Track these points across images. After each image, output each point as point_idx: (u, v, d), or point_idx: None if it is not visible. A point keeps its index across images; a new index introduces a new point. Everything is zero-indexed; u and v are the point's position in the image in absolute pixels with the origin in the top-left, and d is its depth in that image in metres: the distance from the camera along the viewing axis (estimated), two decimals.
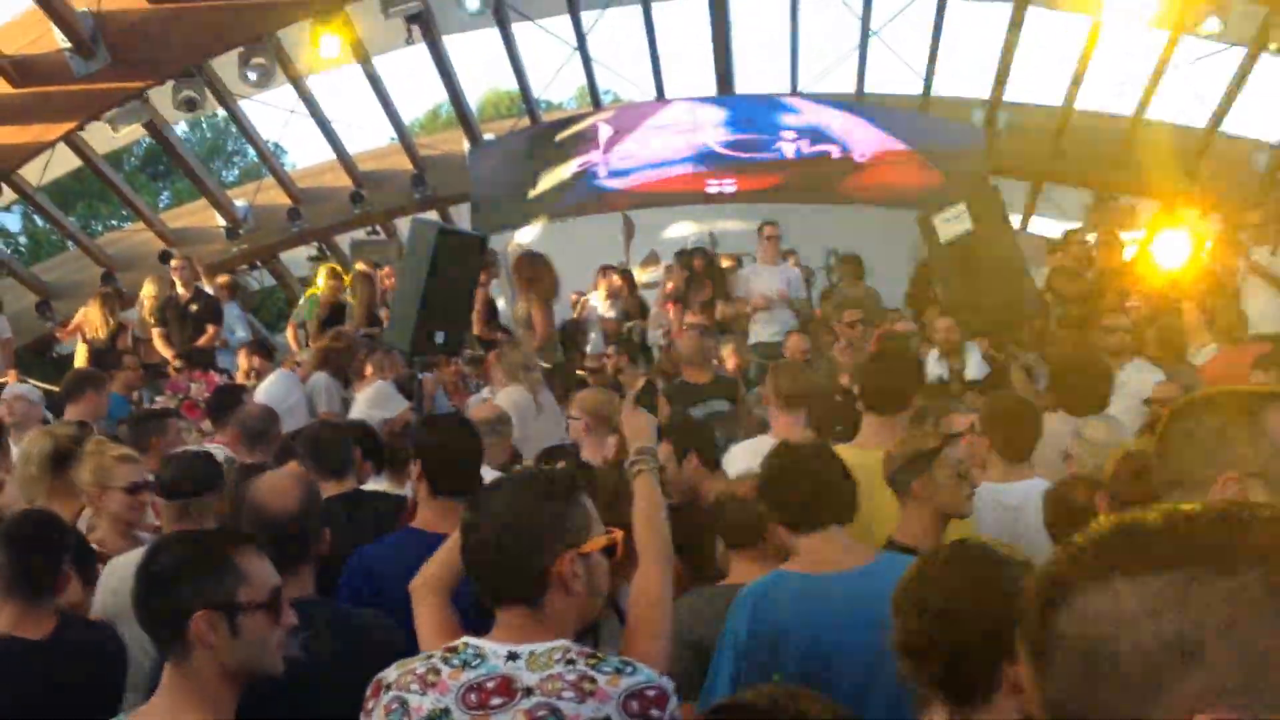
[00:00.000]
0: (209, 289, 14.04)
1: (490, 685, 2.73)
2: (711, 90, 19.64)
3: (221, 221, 18.99)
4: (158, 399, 10.31)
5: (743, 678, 3.65)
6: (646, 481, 3.59)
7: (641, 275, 15.97)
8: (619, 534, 2.99)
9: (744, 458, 5.74)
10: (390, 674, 2.85)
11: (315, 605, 3.64)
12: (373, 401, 8.40)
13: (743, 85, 19.95)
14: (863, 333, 10.84)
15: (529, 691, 2.69)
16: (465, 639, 2.87)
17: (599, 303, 13.97)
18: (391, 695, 2.79)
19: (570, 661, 2.74)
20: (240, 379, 10.83)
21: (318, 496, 4.03)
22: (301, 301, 14.34)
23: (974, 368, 10.21)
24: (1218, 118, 17.78)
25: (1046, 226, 19.80)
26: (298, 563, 3.69)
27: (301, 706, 3.24)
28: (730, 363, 10.62)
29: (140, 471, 5.23)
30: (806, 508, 3.98)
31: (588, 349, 12.55)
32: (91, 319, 13.26)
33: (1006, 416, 5.61)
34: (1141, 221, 18.91)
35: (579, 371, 11.07)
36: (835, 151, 18.21)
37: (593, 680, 2.69)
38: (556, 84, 33.15)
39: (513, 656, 2.77)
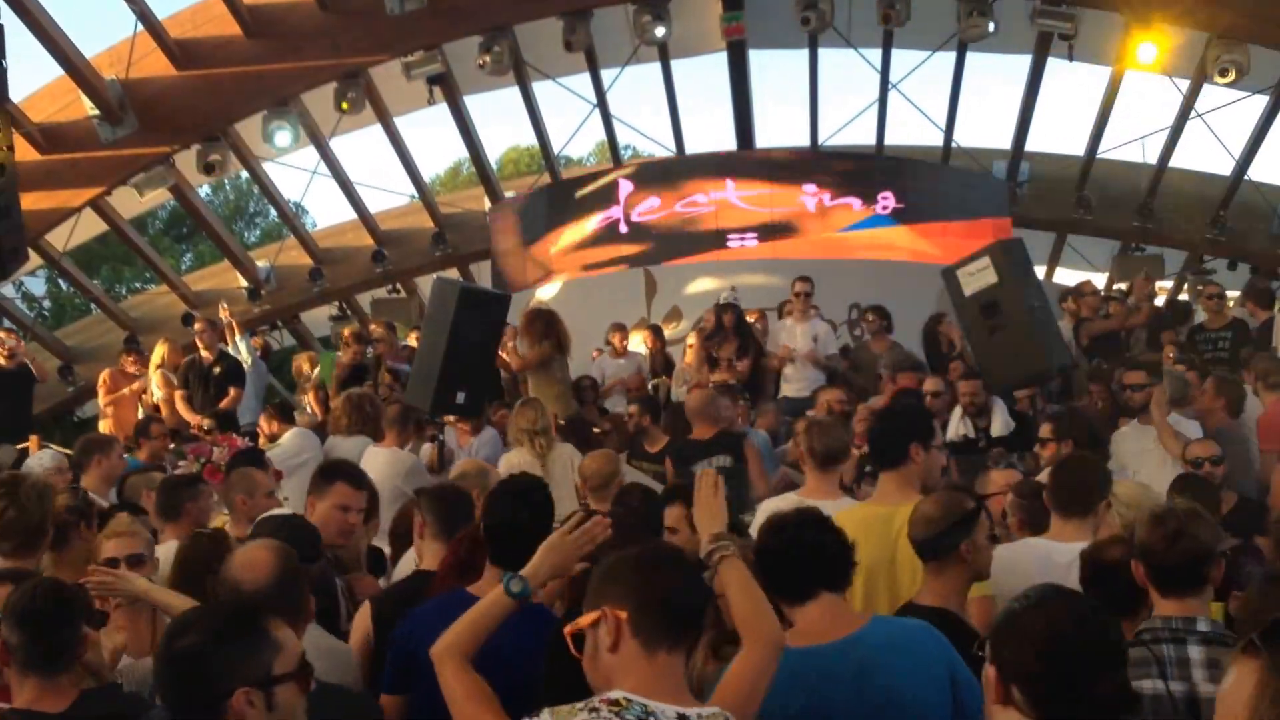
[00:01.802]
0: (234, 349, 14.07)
1: None
2: (731, 145, 19.65)
3: (244, 282, 19.05)
4: (180, 463, 10.24)
5: None
6: (736, 567, 3.55)
7: (666, 331, 15.89)
8: None
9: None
10: None
11: None
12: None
13: (763, 140, 19.96)
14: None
15: None
16: (622, 693, 2.77)
17: (608, 360, 13.87)
18: None
19: None
20: (264, 443, 10.77)
21: (294, 567, 3.92)
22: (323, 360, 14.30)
23: (1000, 424, 10.04)
24: (1242, 165, 17.65)
25: (1072, 277, 19.69)
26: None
27: None
28: (762, 422, 10.55)
29: (129, 546, 5.04)
30: (795, 579, 3.89)
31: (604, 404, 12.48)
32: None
33: (1069, 474, 5.49)
34: (1167, 271, 18.90)
35: (595, 430, 10.98)
36: (857, 204, 18.15)
37: None
38: (576, 140, 33.29)
39: (683, 718, 2.75)
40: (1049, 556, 4.97)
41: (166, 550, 5.59)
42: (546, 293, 17.65)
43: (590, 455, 7.68)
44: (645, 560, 2.98)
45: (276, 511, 5.85)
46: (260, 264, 19.51)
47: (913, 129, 26.07)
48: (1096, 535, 5.01)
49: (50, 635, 3.84)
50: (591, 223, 18.62)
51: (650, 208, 18.39)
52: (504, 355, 11.70)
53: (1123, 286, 16.42)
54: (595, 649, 2.90)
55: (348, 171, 18.52)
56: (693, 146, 20.38)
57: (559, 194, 19.50)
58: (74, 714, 3.77)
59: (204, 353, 13.35)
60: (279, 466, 8.50)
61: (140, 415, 13.03)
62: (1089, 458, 6.14)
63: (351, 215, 19.48)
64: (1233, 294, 14.19)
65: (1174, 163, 18.22)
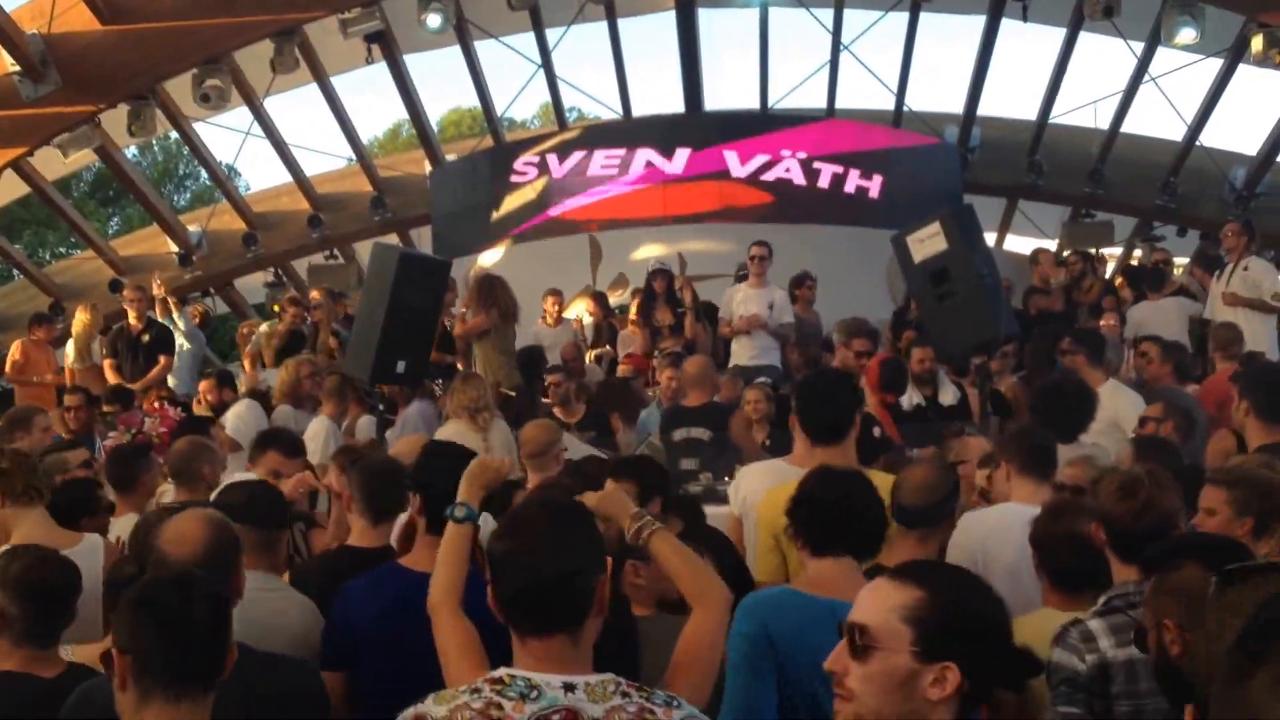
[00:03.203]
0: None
1: (556, 718, 2.68)
2: (679, 107, 19.29)
3: (174, 248, 18.56)
4: (110, 434, 9.90)
5: (754, 680, 3.62)
6: (665, 539, 3.61)
7: (610, 299, 15.66)
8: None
9: (756, 478, 5.61)
10: (436, 710, 2.70)
11: None
12: None
13: (712, 102, 19.61)
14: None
15: None
16: (507, 670, 2.78)
17: (543, 329, 13.53)
18: None
19: (625, 694, 2.74)
20: (201, 410, 10.43)
21: (227, 539, 3.81)
22: (262, 329, 13.88)
23: (950, 394, 9.93)
24: (1194, 131, 17.49)
25: (1022, 244, 19.54)
26: None
27: None
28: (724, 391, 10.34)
29: None
30: (825, 533, 3.93)
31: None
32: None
33: (1028, 439, 5.59)
34: (1118, 238, 18.82)
35: (544, 400, 10.75)
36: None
37: (652, 713, 2.71)
38: (520, 102, 32.90)
39: (569, 688, 2.72)
40: (1025, 520, 4.83)
41: (125, 524, 5.64)
42: (489, 259, 17.35)
43: (529, 424, 7.61)
44: (500, 558, 2.88)
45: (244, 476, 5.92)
46: (191, 229, 18.98)
47: (864, 92, 25.78)
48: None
49: (56, 608, 4.00)
50: (536, 187, 18.21)
51: (596, 172, 17.99)
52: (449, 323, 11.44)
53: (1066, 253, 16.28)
54: None
55: (283, 133, 18.04)
56: (640, 109, 20.01)
57: (502, 157, 19.05)
58: (65, 683, 3.80)
59: (133, 320, 12.95)
60: (238, 438, 8.36)
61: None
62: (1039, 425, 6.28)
63: (287, 178, 18.99)
64: (1182, 260, 14.11)
65: (1126, 128, 18.03)
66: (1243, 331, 10.20)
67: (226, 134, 18.41)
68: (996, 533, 4.95)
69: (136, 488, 6.41)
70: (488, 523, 4.63)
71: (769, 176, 17.71)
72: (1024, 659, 2.57)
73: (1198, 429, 7.62)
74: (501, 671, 2.77)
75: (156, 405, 10.73)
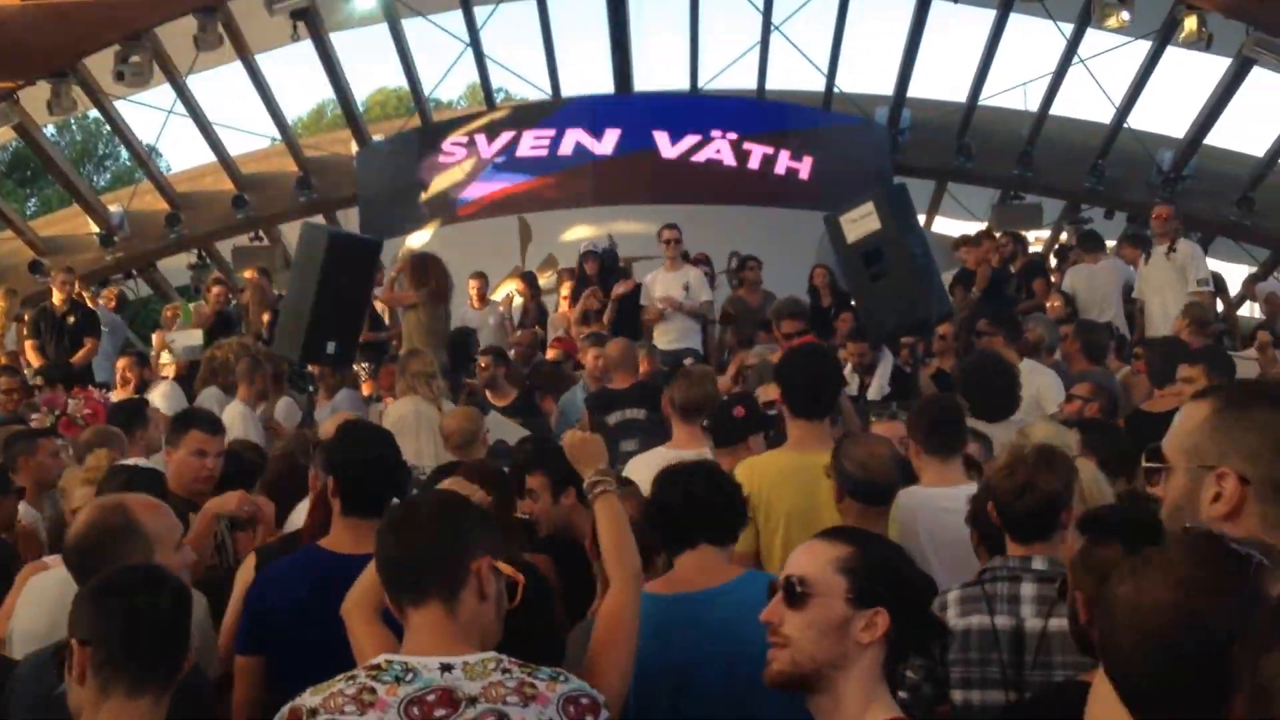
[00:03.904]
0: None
1: (431, 698, 2.69)
2: (609, 87, 19.20)
3: (95, 228, 18.24)
4: (33, 416, 9.68)
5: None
6: (609, 503, 3.66)
7: (539, 280, 15.54)
8: (521, 579, 3.01)
9: (642, 470, 5.60)
10: (311, 700, 2.72)
11: None
12: None
13: (641, 83, 19.54)
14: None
15: (473, 700, 2.70)
16: (386, 655, 2.82)
17: (468, 311, 13.40)
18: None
19: (506, 670, 2.76)
20: (124, 392, 10.22)
21: (120, 529, 3.65)
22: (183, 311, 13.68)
23: (876, 389, 10.00)
24: (1122, 113, 17.68)
25: (951, 226, 19.67)
26: None
27: None
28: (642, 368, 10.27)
29: None
30: (677, 527, 3.93)
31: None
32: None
33: (932, 416, 5.48)
34: (1047, 220, 19.00)
35: (468, 380, 10.66)
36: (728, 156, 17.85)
37: (533, 685, 2.74)
38: (447, 83, 32.67)
39: (446, 668, 2.75)
40: (933, 503, 4.95)
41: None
42: (417, 240, 17.17)
43: (450, 414, 7.59)
44: (381, 525, 3.05)
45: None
46: (113, 209, 18.67)
47: (795, 73, 25.81)
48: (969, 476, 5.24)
49: None
50: (464, 168, 18.06)
51: (525, 153, 17.87)
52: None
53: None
54: None
55: (206, 111, 17.76)
56: (569, 89, 19.91)
57: (430, 137, 18.89)
58: None
59: (57, 301, 12.68)
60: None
61: None
62: (949, 398, 6.25)
63: (210, 158, 18.71)
64: (1110, 244, 14.20)
65: (1055, 110, 18.20)
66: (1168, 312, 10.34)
67: (148, 112, 18.06)
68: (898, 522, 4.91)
69: (18, 471, 6.36)
70: None
71: (699, 158, 17.67)
72: (936, 622, 2.88)
73: (1119, 408, 7.67)
74: (381, 658, 2.81)
75: (80, 387, 10.52)
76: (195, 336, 12.71)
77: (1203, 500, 2.32)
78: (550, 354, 12.32)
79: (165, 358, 12.90)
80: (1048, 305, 11.94)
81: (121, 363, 10.94)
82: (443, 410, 8.29)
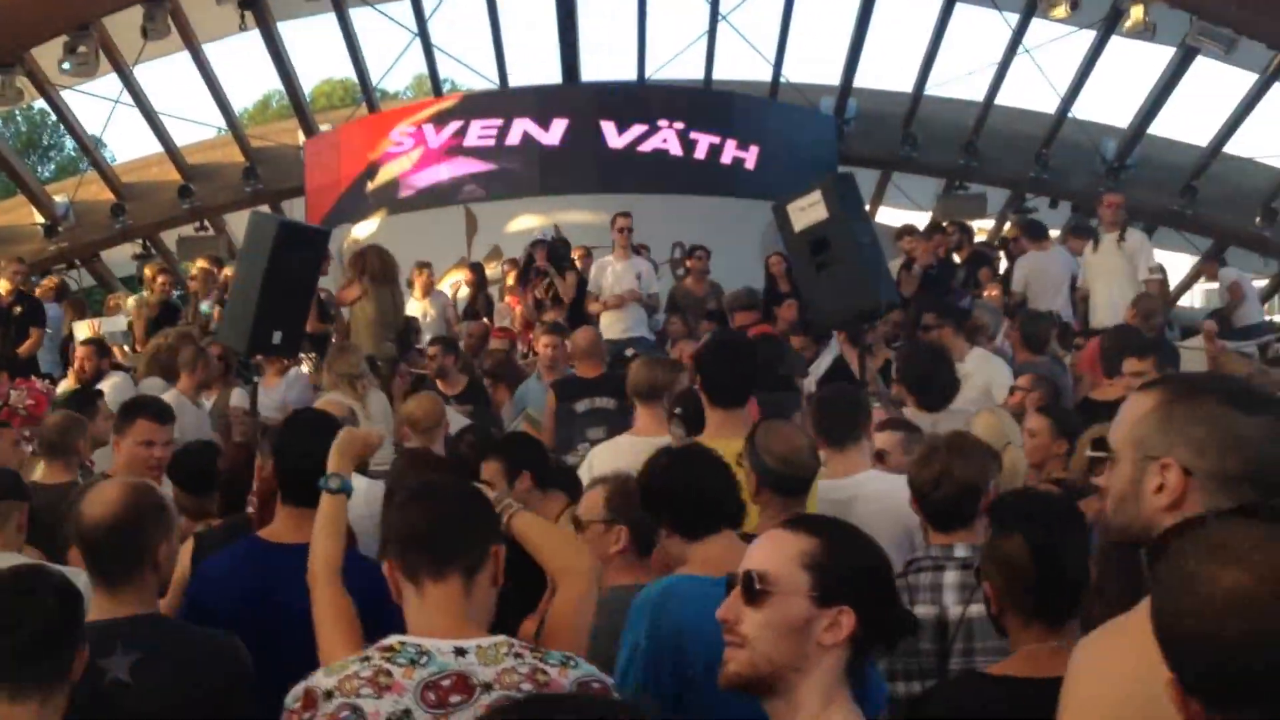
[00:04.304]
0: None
1: (446, 683, 2.68)
2: (557, 78, 19.20)
3: (40, 219, 18.06)
4: None
5: (652, 684, 3.50)
6: (523, 518, 3.58)
7: (486, 270, 15.55)
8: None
9: (608, 457, 5.68)
10: (326, 681, 2.70)
11: (147, 624, 3.40)
12: None
13: (589, 73, 19.57)
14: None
15: (487, 687, 2.69)
16: (398, 637, 2.79)
17: (412, 301, 13.39)
18: (338, 703, 2.66)
19: (518, 655, 2.76)
20: (75, 382, 10.14)
21: (152, 508, 3.61)
22: (130, 301, 13.57)
23: (811, 381, 10.02)
24: (1067, 102, 17.84)
25: (895, 216, 19.78)
26: (121, 577, 3.42)
27: None
28: None
29: None
30: (699, 514, 3.81)
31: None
32: None
33: (827, 406, 5.55)
34: (991, 210, 19.14)
35: (413, 370, 10.67)
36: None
37: (545, 672, 2.73)
38: (394, 73, 32.57)
39: (460, 652, 2.73)
40: (827, 496, 4.91)
41: None
42: (363, 230, 17.15)
43: (415, 398, 7.51)
44: (398, 501, 3.02)
45: None
46: (58, 199, 18.49)
47: (742, 63, 25.91)
48: (873, 463, 5.30)
49: None
50: (410, 158, 18.03)
51: (472, 142, 17.87)
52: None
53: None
54: None
55: (153, 102, 17.66)
56: (517, 79, 19.96)
57: (376, 128, 18.83)
58: None
59: (3, 291, 12.60)
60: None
61: None
62: (848, 387, 6.54)
63: (156, 148, 18.59)
64: (1053, 233, 14.32)
65: (1001, 100, 18.34)
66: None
67: (95, 103, 17.93)
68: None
69: None
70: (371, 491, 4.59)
71: (646, 147, 17.73)
72: (905, 617, 2.64)
73: (1063, 397, 7.76)
74: (393, 639, 2.77)
75: (22, 378, 10.43)
76: (120, 323, 12.68)
77: (1146, 490, 2.29)
78: (493, 344, 12.33)
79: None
80: (985, 293, 12.05)
81: (81, 351, 10.81)
82: (367, 408, 8.27)
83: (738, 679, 2.43)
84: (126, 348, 12.73)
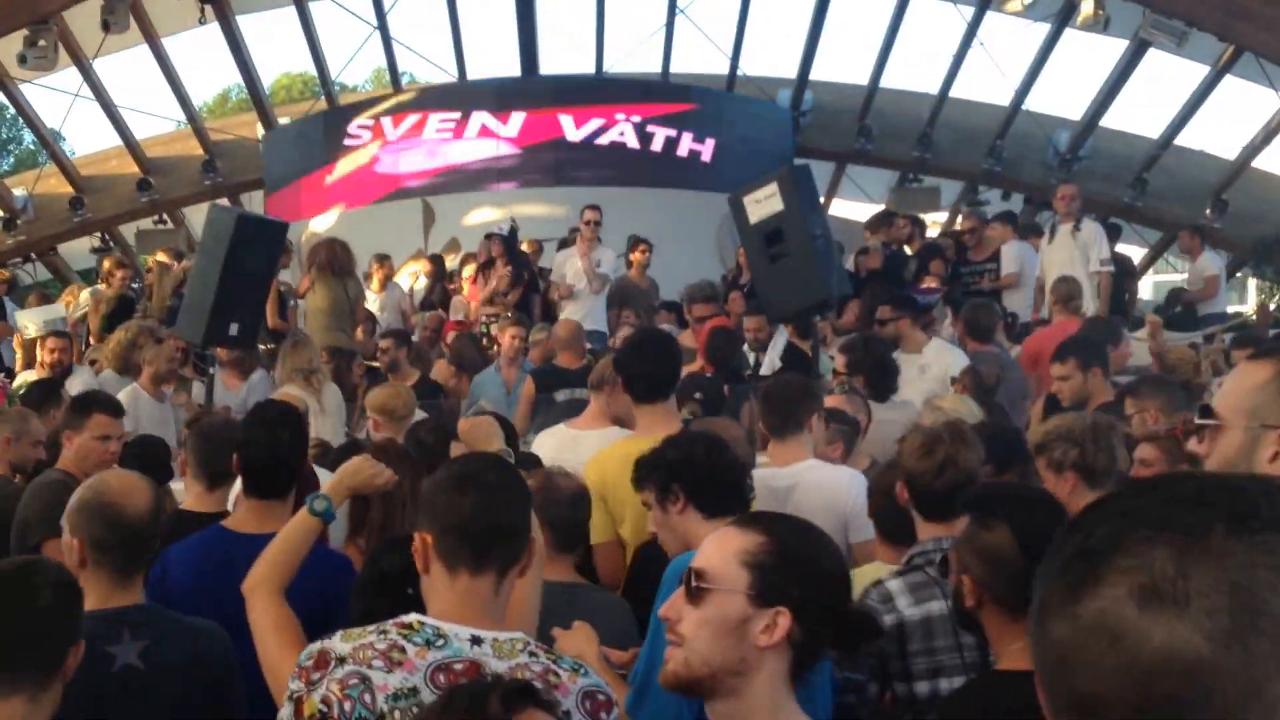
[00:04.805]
0: None
1: (459, 668, 2.66)
2: (515, 71, 19.26)
3: None
4: None
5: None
6: None
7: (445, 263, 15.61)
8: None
9: (552, 444, 5.75)
10: (340, 646, 2.67)
11: (147, 612, 3.51)
12: None
13: (547, 66, 19.59)
14: None
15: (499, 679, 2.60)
16: (418, 616, 2.75)
17: (370, 293, 13.43)
18: (349, 670, 2.63)
19: (533, 654, 2.75)
20: (42, 372, 10.11)
21: (162, 502, 3.78)
22: (84, 295, 13.52)
23: (767, 365, 10.05)
24: (1020, 94, 17.98)
25: (849, 209, 19.93)
26: (139, 568, 3.56)
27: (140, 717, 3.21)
28: (535, 353, 10.39)
29: None
30: (719, 494, 3.88)
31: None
32: None
33: (768, 397, 5.58)
34: (943, 202, 19.26)
35: (368, 362, 10.72)
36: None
37: (556, 675, 2.72)
38: (352, 67, 32.45)
39: (476, 641, 2.72)
40: (766, 483, 4.94)
41: None
42: (321, 224, 17.17)
43: (386, 387, 7.56)
44: (448, 482, 2.88)
45: None
46: (16, 192, 18.40)
47: (699, 56, 25.97)
48: (815, 451, 5.31)
49: None
50: (369, 151, 18.08)
51: (431, 135, 17.92)
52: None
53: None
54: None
55: (112, 95, 17.56)
56: (475, 72, 19.97)
57: (335, 121, 18.85)
58: None
59: None
60: None
61: None
62: (794, 378, 6.36)
63: (115, 141, 18.50)
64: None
65: (955, 93, 18.46)
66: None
67: (54, 96, 17.80)
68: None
69: None
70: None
71: (603, 140, 17.84)
72: (861, 619, 2.59)
73: (1002, 385, 7.91)
74: (413, 617, 2.76)
75: None
76: (57, 310, 12.67)
77: (1260, 459, 2.28)
78: (450, 336, 12.36)
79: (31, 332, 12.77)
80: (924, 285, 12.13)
81: (52, 342, 10.71)
82: (322, 402, 8.39)
83: (675, 679, 2.41)
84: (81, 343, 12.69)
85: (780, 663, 2.36)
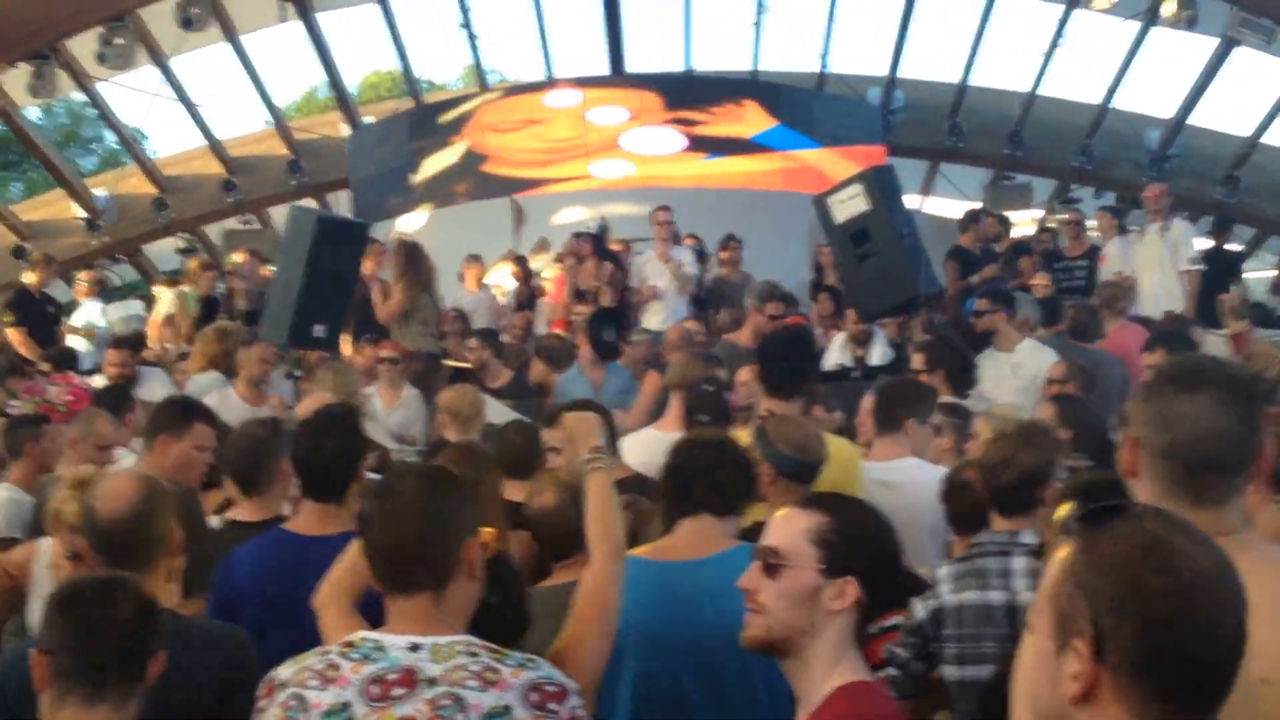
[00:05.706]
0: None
1: (393, 677, 2.74)
2: (603, 69, 19.05)
3: (80, 213, 18.01)
4: (13, 403, 9.55)
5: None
6: (600, 480, 3.75)
7: (532, 263, 15.49)
8: (490, 532, 3.11)
9: (639, 449, 5.98)
10: (284, 672, 2.83)
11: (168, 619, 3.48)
12: None
13: (634, 64, 19.32)
14: None
15: (432, 682, 2.73)
16: (362, 633, 2.87)
17: (462, 294, 13.30)
18: (289, 693, 2.77)
19: (474, 654, 2.80)
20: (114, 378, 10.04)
21: (165, 501, 3.74)
22: (171, 295, 13.46)
23: (879, 355, 10.09)
24: (1110, 93, 17.66)
25: (945, 206, 19.57)
26: (137, 569, 3.48)
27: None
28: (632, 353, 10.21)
29: None
30: (678, 496, 4.10)
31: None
32: None
33: (878, 392, 5.92)
34: (1037, 200, 18.97)
35: (453, 364, 10.58)
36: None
37: (496, 671, 2.77)
38: (441, 64, 32.55)
39: (415, 648, 2.79)
40: (878, 478, 5.33)
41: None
42: (409, 224, 17.10)
43: (451, 390, 7.61)
44: (368, 509, 3.00)
45: None
46: (98, 193, 18.43)
47: (788, 54, 25.75)
48: (916, 453, 5.62)
49: None
50: (456, 150, 17.95)
51: (520, 135, 17.77)
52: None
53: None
54: None
55: (193, 94, 17.57)
56: (562, 71, 19.83)
57: (422, 119, 18.79)
58: None
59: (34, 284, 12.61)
60: None
61: None
62: (907, 379, 6.65)
63: (198, 141, 18.56)
64: (1093, 223, 14.21)
65: (1044, 90, 18.13)
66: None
67: (135, 95, 17.84)
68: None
69: (22, 456, 6.52)
70: None
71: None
72: (912, 581, 3.21)
73: (1099, 385, 7.76)
74: (357, 635, 2.86)
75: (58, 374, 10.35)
76: (134, 307, 12.63)
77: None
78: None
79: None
80: (1034, 283, 11.91)
81: (112, 355, 10.58)
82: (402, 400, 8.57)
83: (756, 642, 2.75)
84: (169, 344, 12.61)
85: (845, 622, 2.73)
